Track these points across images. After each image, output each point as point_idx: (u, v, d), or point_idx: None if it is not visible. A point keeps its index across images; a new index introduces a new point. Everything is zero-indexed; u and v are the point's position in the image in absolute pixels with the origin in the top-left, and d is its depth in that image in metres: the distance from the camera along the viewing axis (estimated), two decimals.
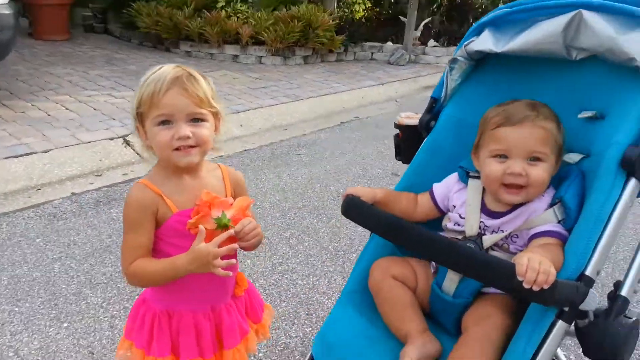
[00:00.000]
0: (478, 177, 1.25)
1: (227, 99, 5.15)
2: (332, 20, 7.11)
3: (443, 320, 1.24)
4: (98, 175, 3.51)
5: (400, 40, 8.00)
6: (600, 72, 1.19)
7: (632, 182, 1.02)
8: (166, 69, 1.14)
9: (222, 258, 1.11)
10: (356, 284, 1.32)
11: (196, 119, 1.14)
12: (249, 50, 6.89)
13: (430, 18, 8.51)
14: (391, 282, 1.25)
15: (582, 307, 0.96)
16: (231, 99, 5.18)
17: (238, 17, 6.90)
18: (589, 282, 0.98)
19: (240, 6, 7.12)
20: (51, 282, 2.32)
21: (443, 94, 1.41)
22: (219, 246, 1.09)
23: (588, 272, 0.99)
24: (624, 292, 1.05)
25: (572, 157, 1.20)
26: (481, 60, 1.38)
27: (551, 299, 0.91)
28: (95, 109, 4.52)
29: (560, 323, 0.99)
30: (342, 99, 5.69)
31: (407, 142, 1.41)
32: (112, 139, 3.93)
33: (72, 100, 4.73)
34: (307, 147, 4.32)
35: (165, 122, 1.12)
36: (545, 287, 0.88)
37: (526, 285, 0.88)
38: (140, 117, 1.16)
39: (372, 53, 7.91)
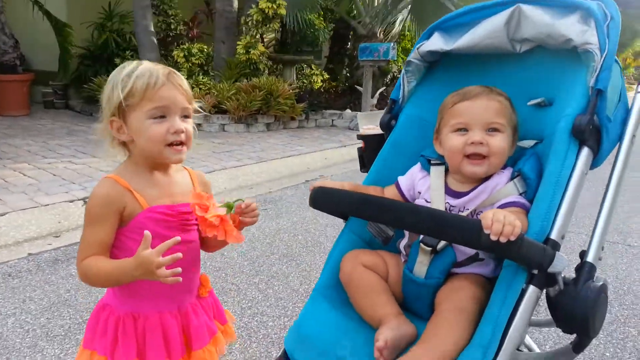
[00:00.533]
0: (439, 164, 1.31)
1: (191, 162, 5.17)
2: (292, 90, 7.41)
3: (417, 306, 1.23)
4: (56, 237, 3.39)
5: (358, 107, 8.37)
6: (544, 62, 1.30)
7: (585, 150, 1.10)
8: (150, 65, 1.15)
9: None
10: (328, 279, 1.31)
11: (185, 115, 1.15)
12: (212, 119, 7.03)
13: (384, 87, 9.00)
14: (362, 270, 1.25)
15: (551, 269, 0.98)
16: (195, 161, 5.21)
17: (200, 88, 7.10)
18: (555, 245, 1.02)
19: (203, 78, 7.35)
20: (3, 337, 2.17)
21: (401, 95, 1.49)
22: (164, 254, 1.02)
23: (553, 236, 1.02)
24: (589, 258, 1.09)
25: (527, 143, 1.28)
26: (434, 62, 1.48)
27: (519, 253, 0.93)
28: (54, 175, 4.44)
29: (531, 288, 1.01)
30: (306, 160, 5.81)
31: (370, 151, 1.47)
32: (71, 201, 3.84)
33: (31, 167, 4.65)
34: (273, 202, 4.33)
35: (161, 115, 1.11)
36: (512, 238, 0.90)
37: (493, 237, 0.90)
38: (122, 110, 1.11)
39: (332, 120, 8.20)
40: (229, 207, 1.16)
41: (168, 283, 1.04)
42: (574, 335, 1.11)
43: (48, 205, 3.71)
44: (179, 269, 1.05)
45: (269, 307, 2.52)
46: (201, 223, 1.14)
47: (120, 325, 1.17)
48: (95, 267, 1.09)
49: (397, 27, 9.89)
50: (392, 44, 7.81)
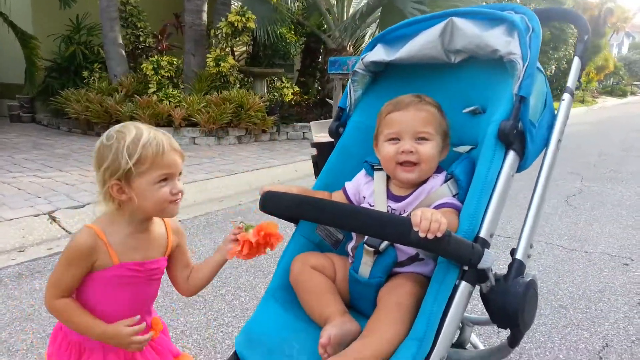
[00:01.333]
0: (381, 169, 1.38)
1: None
2: (263, 103, 7.46)
3: (362, 305, 1.29)
4: (21, 251, 3.34)
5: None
6: (477, 72, 1.40)
7: (511, 153, 1.18)
8: (152, 131, 1.23)
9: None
10: (279, 282, 1.36)
11: (180, 174, 1.29)
12: (182, 131, 7.02)
13: None
14: (310, 271, 1.30)
15: (480, 265, 1.05)
16: None
17: (170, 101, 7.09)
18: (484, 243, 1.09)
19: (172, 91, 7.35)
20: None
21: (348, 104, 1.57)
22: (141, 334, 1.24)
23: (482, 234, 1.10)
24: (518, 255, 1.17)
25: (463, 148, 1.36)
26: (378, 73, 1.57)
27: (446, 250, 0.99)
28: (19, 189, 4.38)
29: (463, 284, 1.07)
30: (277, 173, 5.85)
31: (323, 157, 1.53)
32: (36, 215, 3.79)
33: None
34: (243, 215, 4.35)
35: (165, 179, 1.22)
36: (439, 234, 0.96)
37: (421, 234, 0.96)
38: (127, 174, 1.19)
39: (303, 132, 8.27)
40: (247, 228, 1.32)
41: (135, 351, 1.26)
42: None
43: (12, 219, 3.65)
44: (148, 333, 1.27)
45: (235, 317, 2.54)
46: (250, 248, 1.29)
47: (72, 351, 1.29)
48: (67, 314, 1.23)
49: (366, 41, 10.08)
50: (360, 57, 7.94)
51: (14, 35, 7.52)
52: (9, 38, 7.76)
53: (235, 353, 1.24)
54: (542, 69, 1.28)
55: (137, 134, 1.20)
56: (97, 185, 1.24)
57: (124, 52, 7.85)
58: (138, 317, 1.24)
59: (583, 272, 3.15)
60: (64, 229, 3.68)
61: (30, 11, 8.27)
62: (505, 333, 2.27)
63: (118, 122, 6.29)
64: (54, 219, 3.77)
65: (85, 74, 7.94)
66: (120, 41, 7.76)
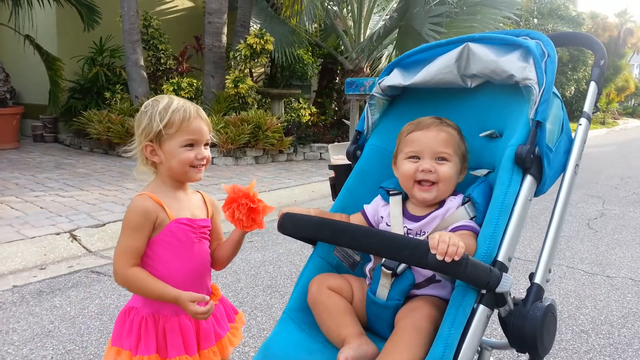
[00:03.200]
0: (397, 194, 1.40)
1: None
2: (280, 123, 7.54)
3: (379, 327, 1.29)
4: (42, 269, 3.40)
5: (346, 140, 8.49)
6: (493, 96, 1.41)
7: (528, 177, 1.19)
8: (181, 100, 1.39)
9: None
10: (296, 302, 1.37)
11: (206, 144, 1.42)
12: None
13: None
14: (328, 292, 1.31)
15: (499, 289, 1.05)
16: None
17: None
18: (502, 267, 1.09)
19: None
20: None
21: (365, 127, 1.60)
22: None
23: (500, 258, 1.10)
24: (537, 280, 1.17)
25: (481, 172, 1.37)
26: (396, 97, 1.60)
27: (464, 273, 0.99)
28: (42, 207, 4.47)
29: (481, 307, 1.07)
30: (294, 193, 5.88)
31: (340, 179, 1.56)
32: (58, 234, 3.86)
33: (18, 200, 4.67)
34: (259, 235, 4.37)
35: (191, 144, 1.36)
36: (456, 258, 0.97)
37: (439, 257, 0.97)
38: (159, 137, 1.35)
39: (320, 153, 8.31)
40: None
41: (198, 319, 1.35)
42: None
43: (34, 237, 3.73)
44: (210, 302, 1.35)
45: (252, 337, 2.55)
46: (252, 213, 1.41)
47: (143, 325, 1.39)
48: (141, 281, 1.34)
49: (383, 62, 10.18)
50: (377, 79, 8.00)
51: (39, 57, 7.76)
52: (34, 60, 8.00)
53: None
54: (558, 93, 1.30)
55: (169, 101, 1.37)
56: (136, 148, 1.40)
57: (145, 74, 8.03)
58: (207, 297, 1.34)
59: (605, 297, 3.09)
60: (84, 247, 3.75)
61: (55, 33, 8.54)
62: (525, 358, 2.24)
63: None
64: (74, 237, 3.84)
65: (108, 95, 8.14)
66: (142, 63, 7.95)
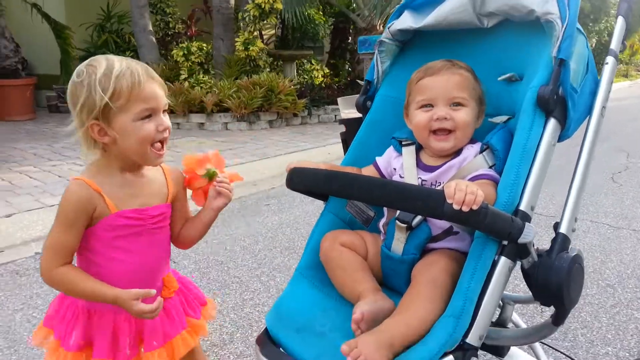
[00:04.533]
0: (410, 144, 1.33)
1: None
2: (293, 86, 7.42)
3: (395, 282, 1.25)
4: None
5: None
6: (512, 36, 1.32)
7: (552, 121, 1.11)
8: (123, 61, 1.12)
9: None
10: (309, 260, 1.34)
11: (164, 111, 1.17)
12: (214, 117, 7.08)
13: None
14: (341, 248, 1.27)
15: (521, 240, 1.00)
16: None
17: (202, 87, 7.14)
18: (524, 216, 1.03)
19: (203, 77, 7.39)
20: (11, 330, 2.23)
21: (375, 76, 1.52)
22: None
23: (522, 207, 1.04)
24: (562, 229, 1.11)
25: (500, 119, 1.29)
26: (406, 42, 1.50)
27: (484, 223, 0.94)
28: (59, 176, 4.51)
29: (503, 260, 1.02)
30: (310, 156, 5.82)
31: (352, 133, 1.49)
32: None
33: (36, 170, 4.72)
34: (276, 198, 4.36)
35: (148, 115, 1.12)
36: (475, 207, 0.91)
37: (456, 206, 0.91)
38: (105, 112, 1.09)
39: (335, 115, 8.18)
40: (209, 175, 1.29)
41: (145, 319, 1.17)
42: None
43: (53, 205, 3.77)
44: (158, 298, 1.16)
45: (270, 297, 2.56)
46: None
47: (76, 316, 1.22)
48: (69, 283, 1.13)
49: None
50: (387, 26, 7.76)
51: (48, 26, 7.69)
52: (43, 29, 7.93)
53: (266, 329, 1.23)
54: (582, 30, 1.20)
55: (109, 65, 1.09)
56: (77, 130, 1.13)
57: (154, 39, 7.93)
58: (153, 291, 1.15)
59: (632, 251, 3.02)
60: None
61: (62, 1, 8.44)
62: (549, 313, 2.21)
63: None
64: None
65: None
66: (150, 28, 7.83)
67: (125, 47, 8.39)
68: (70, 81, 1.12)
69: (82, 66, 1.12)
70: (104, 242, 1.16)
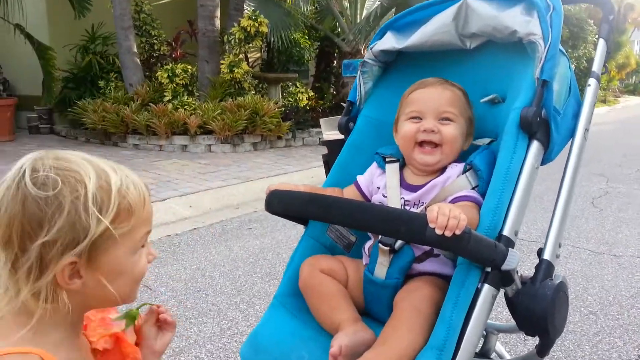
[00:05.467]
0: (394, 161, 1.30)
1: (175, 183, 5.14)
2: (278, 108, 7.42)
3: (377, 309, 1.20)
4: None
5: None
6: (494, 58, 1.31)
7: (535, 143, 1.09)
8: (119, 169, 0.78)
9: None
10: (287, 287, 1.29)
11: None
12: (197, 139, 7.02)
13: None
14: (320, 276, 1.22)
15: (505, 267, 0.96)
16: (179, 182, 5.18)
17: (185, 109, 7.09)
18: (508, 242, 1.00)
19: (187, 99, 7.36)
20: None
21: (358, 97, 1.49)
22: None
23: (505, 232, 1.01)
24: (546, 255, 1.07)
25: (483, 141, 1.27)
26: (389, 63, 1.49)
27: (467, 249, 0.91)
28: None
29: (486, 287, 0.98)
30: (293, 179, 5.77)
31: (334, 155, 1.46)
32: None
33: None
34: (258, 222, 4.29)
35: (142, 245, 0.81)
36: (458, 232, 0.88)
37: (438, 231, 0.88)
38: (96, 245, 0.72)
39: (319, 138, 8.17)
40: (131, 317, 0.92)
41: None
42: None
43: None
44: None
45: (249, 327, 2.47)
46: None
47: None
48: None
49: None
50: (370, 47, 7.84)
51: (31, 47, 7.61)
52: (25, 50, 7.84)
53: None
54: (564, 52, 1.19)
55: (100, 173, 0.74)
56: (9, 277, 0.71)
57: (138, 61, 7.89)
58: None
59: (613, 277, 3.01)
60: None
61: (46, 22, 8.37)
62: (532, 342, 2.17)
63: (135, 131, 6.23)
64: None
65: (102, 83, 8.00)
66: (135, 50, 7.80)
67: (110, 68, 8.33)
68: (17, 193, 0.70)
69: (46, 171, 0.71)
70: None
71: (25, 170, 0.71)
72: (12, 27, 7.46)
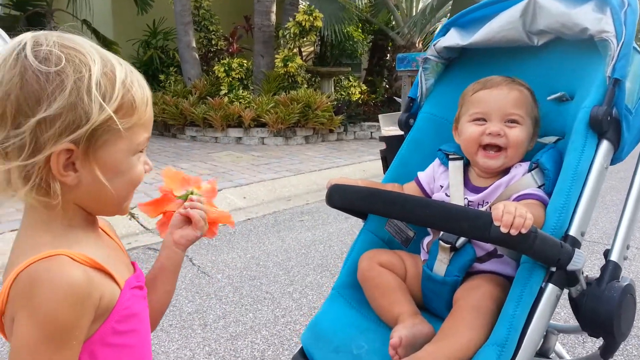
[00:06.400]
0: (458, 158, 1.29)
1: (230, 174, 5.29)
2: (330, 102, 7.46)
3: (435, 305, 1.21)
4: None
5: None
6: (563, 54, 1.28)
7: (605, 143, 1.07)
8: (124, 63, 0.75)
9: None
10: (346, 279, 1.31)
11: None
12: (251, 132, 7.17)
13: None
14: (379, 269, 1.24)
15: (570, 267, 0.95)
16: (234, 174, 5.32)
17: (240, 102, 7.26)
18: (574, 242, 0.99)
19: (242, 92, 7.52)
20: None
21: (419, 94, 1.49)
22: None
23: (572, 232, 1.00)
24: (613, 257, 1.05)
25: (548, 139, 1.25)
26: (452, 60, 1.48)
27: (531, 247, 0.90)
28: None
29: (550, 287, 0.97)
30: (344, 172, 5.81)
31: (392, 151, 1.47)
32: None
33: None
34: (310, 214, 4.35)
35: (142, 149, 0.78)
36: (523, 230, 0.87)
37: (503, 230, 0.87)
38: (94, 135, 0.68)
39: (371, 132, 8.16)
40: (186, 198, 0.93)
41: None
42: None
43: None
44: None
45: (302, 315, 2.54)
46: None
47: None
48: None
49: None
50: (432, 43, 7.73)
51: (97, 42, 7.99)
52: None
53: (302, 349, 1.20)
54: (638, 49, 1.15)
55: (105, 61, 0.70)
56: (22, 156, 0.65)
57: (197, 56, 8.14)
58: None
59: None
60: (141, 225, 3.87)
61: (111, 18, 8.78)
62: (591, 344, 2.10)
63: (192, 123, 6.42)
64: (132, 216, 3.96)
65: (162, 77, 8.31)
66: (194, 45, 8.05)
67: (170, 62, 8.65)
68: (15, 65, 0.65)
69: (50, 45, 0.66)
70: (113, 346, 0.74)
71: (26, 43, 0.66)
72: (80, 23, 7.87)
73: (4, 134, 0.65)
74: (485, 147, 1.20)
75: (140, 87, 0.73)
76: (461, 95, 1.30)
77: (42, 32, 0.69)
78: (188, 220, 0.90)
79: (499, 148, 1.19)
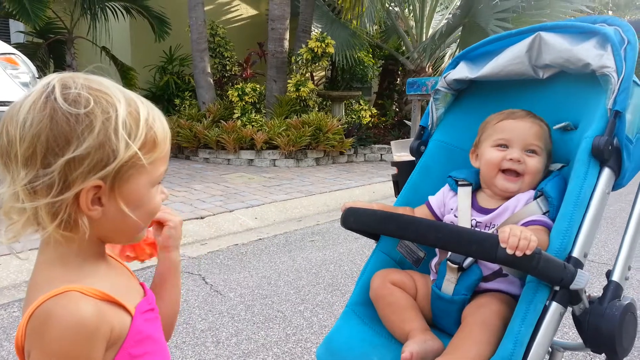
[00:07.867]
0: (467, 184, 1.37)
1: (242, 196, 5.37)
2: (341, 125, 7.57)
3: (444, 323, 1.27)
4: None
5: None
6: (567, 87, 1.36)
7: (606, 170, 1.14)
8: (145, 102, 0.78)
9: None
10: (359, 297, 1.37)
11: None
12: (263, 154, 7.29)
13: None
14: (391, 287, 1.30)
15: (573, 286, 1.01)
16: (246, 195, 5.41)
17: (253, 125, 7.40)
18: (577, 263, 1.04)
19: (255, 116, 7.67)
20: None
21: (430, 122, 1.57)
22: None
23: (575, 254, 1.05)
24: (615, 277, 1.11)
25: (554, 166, 1.32)
26: (461, 91, 1.56)
27: (536, 268, 0.96)
28: None
29: (554, 305, 1.03)
30: (355, 194, 5.88)
31: (404, 176, 1.54)
32: None
33: None
34: (320, 234, 4.41)
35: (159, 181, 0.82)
36: (528, 252, 0.93)
37: (509, 251, 0.94)
38: (121, 171, 0.72)
39: (381, 154, 8.25)
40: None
41: None
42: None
43: None
44: None
45: (313, 334, 2.58)
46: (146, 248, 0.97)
47: None
48: None
49: (446, 61, 9.97)
50: (440, 78, 7.86)
51: (114, 68, 8.23)
52: (110, 71, 8.46)
53: None
54: (639, 82, 1.22)
55: (129, 100, 0.74)
56: (24, 194, 0.68)
57: (211, 81, 8.33)
58: None
59: None
60: None
61: (129, 45, 9.03)
62: None
63: (206, 146, 6.55)
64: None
65: (177, 101, 8.51)
66: (209, 70, 8.25)
67: (185, 87, 8.85)
68: (45, 107, 0.68)
69: (78, 89, 0.70)
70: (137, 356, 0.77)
71: (54, 85, 0.70)
72: (99, 49, 8.11)
73: (33, 173, 0.68)
74: (505, 171, 1.29)
75: (160, 123, 0.78)
76: (483, 123, 1.39)
77: (68, 74, 0.73)
78: (161, 225, 0.95)
79: (517, 174, 1.28)
